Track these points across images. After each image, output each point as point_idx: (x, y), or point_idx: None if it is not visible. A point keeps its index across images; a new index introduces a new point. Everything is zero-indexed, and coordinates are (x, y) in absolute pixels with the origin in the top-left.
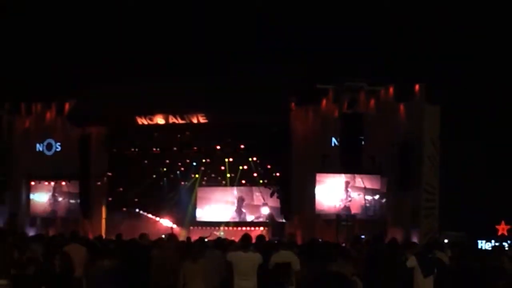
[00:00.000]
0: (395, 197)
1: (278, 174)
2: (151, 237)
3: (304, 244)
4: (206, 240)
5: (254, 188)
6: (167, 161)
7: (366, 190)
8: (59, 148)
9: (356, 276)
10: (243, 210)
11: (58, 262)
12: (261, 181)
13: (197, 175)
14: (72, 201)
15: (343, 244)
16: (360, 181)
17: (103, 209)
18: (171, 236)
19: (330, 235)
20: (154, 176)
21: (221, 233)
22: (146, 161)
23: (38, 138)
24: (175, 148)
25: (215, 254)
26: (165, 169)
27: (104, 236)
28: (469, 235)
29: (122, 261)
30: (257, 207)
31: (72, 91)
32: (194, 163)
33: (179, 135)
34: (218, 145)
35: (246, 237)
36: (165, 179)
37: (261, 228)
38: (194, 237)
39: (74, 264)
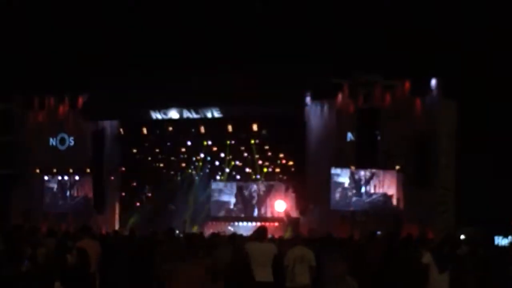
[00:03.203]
0: (411, 192)
1: (293, 169)
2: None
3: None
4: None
5: (268, 182)
6: (181, 155)
7: (381, 186)
8: (72, 143)
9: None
10: (257, 205)
11: (74, 257)
12: (275, 176)
13: (211, 170)
14: (85, 196)
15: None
16: (375, 176)
17: (117, 204)
18: None
19: (345, 230)
20: (168, 170)
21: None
22: (160, 156)
23: (51, 133)
24: (189, 143)
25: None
26: (179, 163)
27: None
28: (485, 231)
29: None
30: (272, 202)
31: (86, 85)
32: (208, 158)
33: (193, 130)
34: (233, 139)
35: (261, 229)
36: (178, 173)
37: (276, 224)
38: (208, 232)
39: (90, 260)
